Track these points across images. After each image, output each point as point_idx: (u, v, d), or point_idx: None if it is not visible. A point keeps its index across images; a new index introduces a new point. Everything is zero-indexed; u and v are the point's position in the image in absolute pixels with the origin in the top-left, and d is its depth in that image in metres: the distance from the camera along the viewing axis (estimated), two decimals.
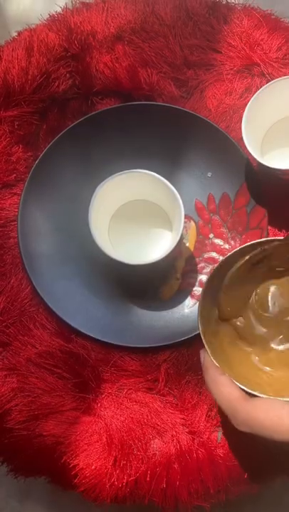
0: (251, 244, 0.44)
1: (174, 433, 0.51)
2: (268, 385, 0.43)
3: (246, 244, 0.44)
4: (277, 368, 0.46)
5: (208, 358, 0.41)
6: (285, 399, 0.38)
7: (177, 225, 0.48)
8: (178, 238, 0.48)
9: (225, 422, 0.47)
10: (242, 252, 0.45)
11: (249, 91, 0.56)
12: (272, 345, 0.48)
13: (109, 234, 0.55)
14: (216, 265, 0.45)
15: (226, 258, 0.44)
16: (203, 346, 0.42)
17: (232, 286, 0.46)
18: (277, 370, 0.45)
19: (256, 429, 0.36)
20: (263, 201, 0.54)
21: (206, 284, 0.44)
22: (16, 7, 0.79)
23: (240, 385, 0.39)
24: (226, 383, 0.38)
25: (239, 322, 0.48)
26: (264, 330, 0.48)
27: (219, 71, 0.57)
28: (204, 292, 0.44)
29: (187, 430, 0.51)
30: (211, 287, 0.45)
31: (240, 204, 0.55)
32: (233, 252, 0.44)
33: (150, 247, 0.55)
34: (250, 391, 0.39)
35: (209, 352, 0.41)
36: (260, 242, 0.44)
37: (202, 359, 0.42)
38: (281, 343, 0.48)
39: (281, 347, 0.47)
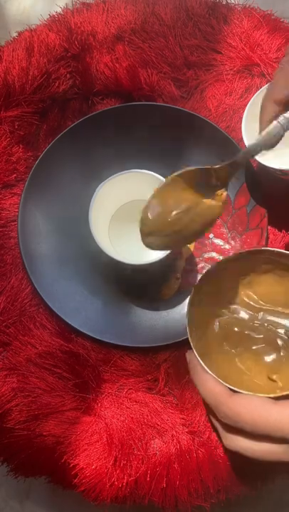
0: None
1: (174, 433, 0.51)
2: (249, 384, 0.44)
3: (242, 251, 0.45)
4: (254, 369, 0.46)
5: (194, 358, 0.43)
6: (262, 395, 0.40)
7: None
8: None
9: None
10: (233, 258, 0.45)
11: (249, 91, 0.56)
12: (253, 347, 0.47)
13: (109, 234, 0.55)
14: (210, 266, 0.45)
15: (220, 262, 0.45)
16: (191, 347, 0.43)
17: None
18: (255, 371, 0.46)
19: (238, 423, 0.38)
20: (262, 201, 0.54)
21: (195, 288, 0.44)
22: (16, 7, 0.79)
23: (224, 383, 0.41)
24: (211, 379, 0.41)
25: (226, 324, 0.48)
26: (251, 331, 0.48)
27: (219, 71, 0.57)
28: (194, 294, 0.44)
29: (187, 430, 0.51)
30: (200, 291, 0.45)
31: (240, 204, 0.55)
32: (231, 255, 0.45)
33: None
34: (232, 387, 0.41)
35: (196, 353, 0.43)
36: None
37: (188, 358, 0.44)
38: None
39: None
